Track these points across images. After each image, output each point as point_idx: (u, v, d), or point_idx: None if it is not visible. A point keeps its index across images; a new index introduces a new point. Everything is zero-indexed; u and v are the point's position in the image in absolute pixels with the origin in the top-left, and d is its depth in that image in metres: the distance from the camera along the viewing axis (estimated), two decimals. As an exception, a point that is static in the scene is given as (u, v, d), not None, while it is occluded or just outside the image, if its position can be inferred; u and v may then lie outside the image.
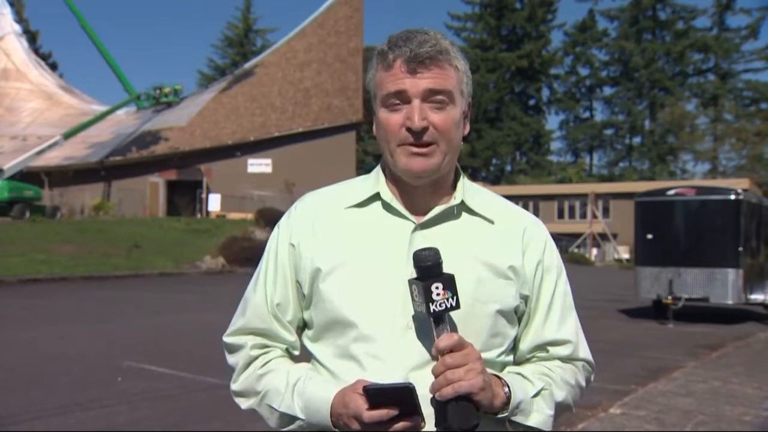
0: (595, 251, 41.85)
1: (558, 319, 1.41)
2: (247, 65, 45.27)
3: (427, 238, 1.34)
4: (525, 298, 1.39)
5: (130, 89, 42.25)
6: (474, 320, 1.32)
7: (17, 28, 45.11)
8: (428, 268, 1.23)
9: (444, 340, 1.21)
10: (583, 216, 44.71)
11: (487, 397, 1.22)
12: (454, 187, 1.42)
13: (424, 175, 1.35)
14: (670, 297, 13.57)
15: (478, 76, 62.85)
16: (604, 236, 41.74)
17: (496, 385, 1.27)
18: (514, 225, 1.40)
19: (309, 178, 38.94)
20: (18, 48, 44.57)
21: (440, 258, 1.24)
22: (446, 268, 1.28)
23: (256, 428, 5.56)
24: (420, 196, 1.38)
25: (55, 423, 5.85)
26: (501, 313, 1.35)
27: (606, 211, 44.99)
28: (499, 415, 1.28)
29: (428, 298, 1.21)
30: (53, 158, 37.85)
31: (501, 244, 1.37)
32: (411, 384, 1.20)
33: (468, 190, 1.41)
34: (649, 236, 14.55)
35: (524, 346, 1.42)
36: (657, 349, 10.55)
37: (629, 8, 66.44)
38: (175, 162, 39.64)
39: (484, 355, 1.29)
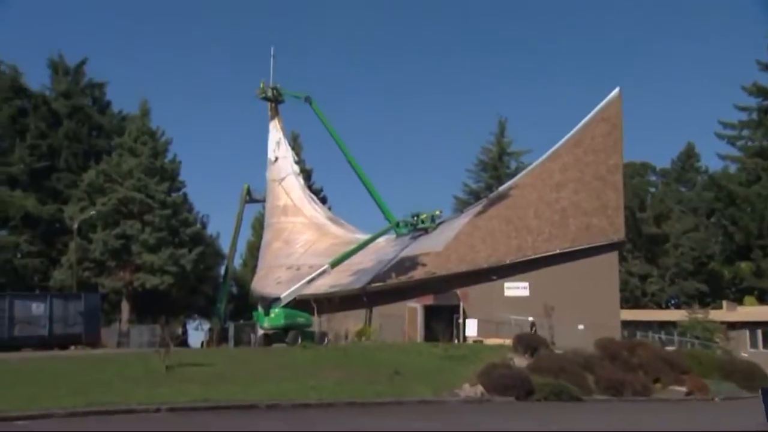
0: None
1: None
2: (502, 188, 45.66)
3: None
4: None
5: (390, 217, 44.53)
6: None
7: (296, 168, 50.59)
8: None
9: None
10: None
11: None
12: None
13: None
14: None
15: (759, 186, 56.89)
16: None
17: None
18: None
19: (569, 301, 37.32)
20: (296, 186, 49.81)
21: None
22: None
23: None
24: None
25: None
26: None
27: None
28: None
29: None
30: (321, 286, 40.61)
31: None
32: None
33: None
34: None
35: None
36: None
37: None
38: (432, 287, 40.26)
39: None
